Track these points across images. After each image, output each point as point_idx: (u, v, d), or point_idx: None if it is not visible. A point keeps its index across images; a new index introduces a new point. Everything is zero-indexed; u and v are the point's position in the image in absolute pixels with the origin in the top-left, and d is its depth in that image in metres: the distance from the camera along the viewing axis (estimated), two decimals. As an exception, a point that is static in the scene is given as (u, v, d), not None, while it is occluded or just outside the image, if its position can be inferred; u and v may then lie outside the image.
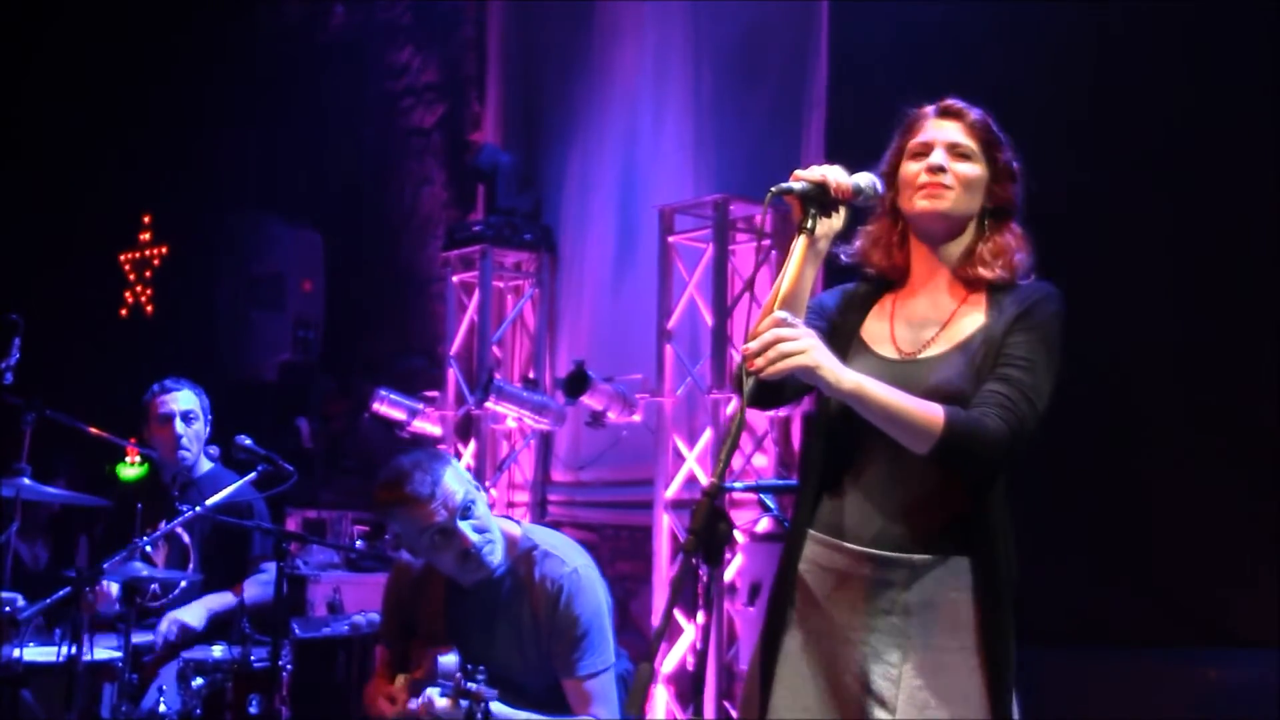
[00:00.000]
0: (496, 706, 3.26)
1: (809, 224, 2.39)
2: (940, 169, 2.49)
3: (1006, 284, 2.52)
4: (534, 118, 7.57)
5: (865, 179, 2.45)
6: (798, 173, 2.41)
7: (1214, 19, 4.30)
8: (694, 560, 2.16)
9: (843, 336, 2.57)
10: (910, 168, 2.53)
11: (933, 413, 2.33)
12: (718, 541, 2.15)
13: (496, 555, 3.47)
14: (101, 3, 9.23)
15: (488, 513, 3.51)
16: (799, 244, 2.39)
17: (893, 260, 2.61)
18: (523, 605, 3.50)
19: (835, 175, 2.41)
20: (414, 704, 3.37)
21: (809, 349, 2.25)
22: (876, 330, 2.57)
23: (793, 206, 2.42)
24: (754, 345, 2.24)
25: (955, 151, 2.52)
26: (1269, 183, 4.18)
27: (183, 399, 4.95)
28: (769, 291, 2.39)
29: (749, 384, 2.23)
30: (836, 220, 2.44)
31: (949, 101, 2.58)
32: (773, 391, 2.44)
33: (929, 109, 2.59)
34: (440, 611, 3.59)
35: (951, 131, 2.54)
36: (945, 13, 4.83)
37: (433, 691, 3.30)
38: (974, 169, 2.52)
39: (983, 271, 2.52)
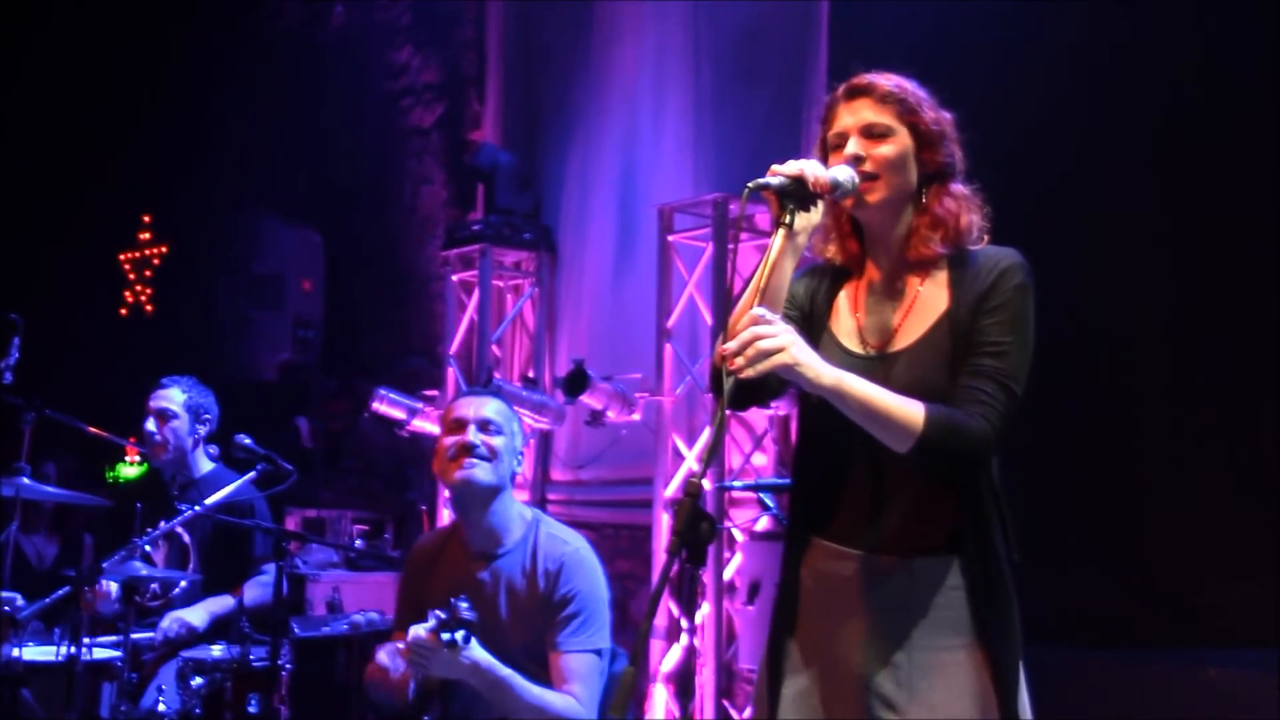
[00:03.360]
0: (476, 650, 3.29)
1: (787, 219, 2.35)
2: (858, 158, 2.42)
3: (962, 253, 2.46)
4: (533, 117, 7.57)
5: (843, 173, 2.40)
6: (775, 168, 2.37)
7: (1213, 15, 4.30)
8: (678, 560, 2.14)
9: (815, 325, 2.53)
10: (835, 162, 2.45)
11: (913, 410, 2.30)
12: (701, 541, 2.13)
13: (486, 475, 3.58)
14: (101, 2, 9.23)
15: (511, 478, 3.67)
16: (777, 239, 2.35)
17: (847, 251, 2.56)
18: (527, 581, 3.57)
19: (813, 170, 2.37)
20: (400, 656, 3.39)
21: (788, 346, 2.22)
22: (843, 323, 2.54)
23: (770, 202, 2.38)
24: (732, 345, 2.20)
25: (870, 133, 2.44)
26: (1267, 175, 4.18)
27: (166, 396, 4.90)
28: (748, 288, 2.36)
29: (729, 384, 2.19)
30: (815, 215, 2.39)
31: (856, 79, 2.49)
32: (753, 390, 2.39)
33: (840, 92, 2.51)
34: (450, 588, 3.60)
35: (863, 112, 2.46)
36: (945, 12, 4.83)
37: (417, 628, 3.30)
38: (893, 146, 2.44)
39: (924, 249, 2.45)
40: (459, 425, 3.62)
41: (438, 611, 3.26)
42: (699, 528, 2.12)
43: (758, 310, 2.24)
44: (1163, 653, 4.16)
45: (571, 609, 3.51)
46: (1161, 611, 4.24)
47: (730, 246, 5.01)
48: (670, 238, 6.09)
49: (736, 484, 5.48)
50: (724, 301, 5.84)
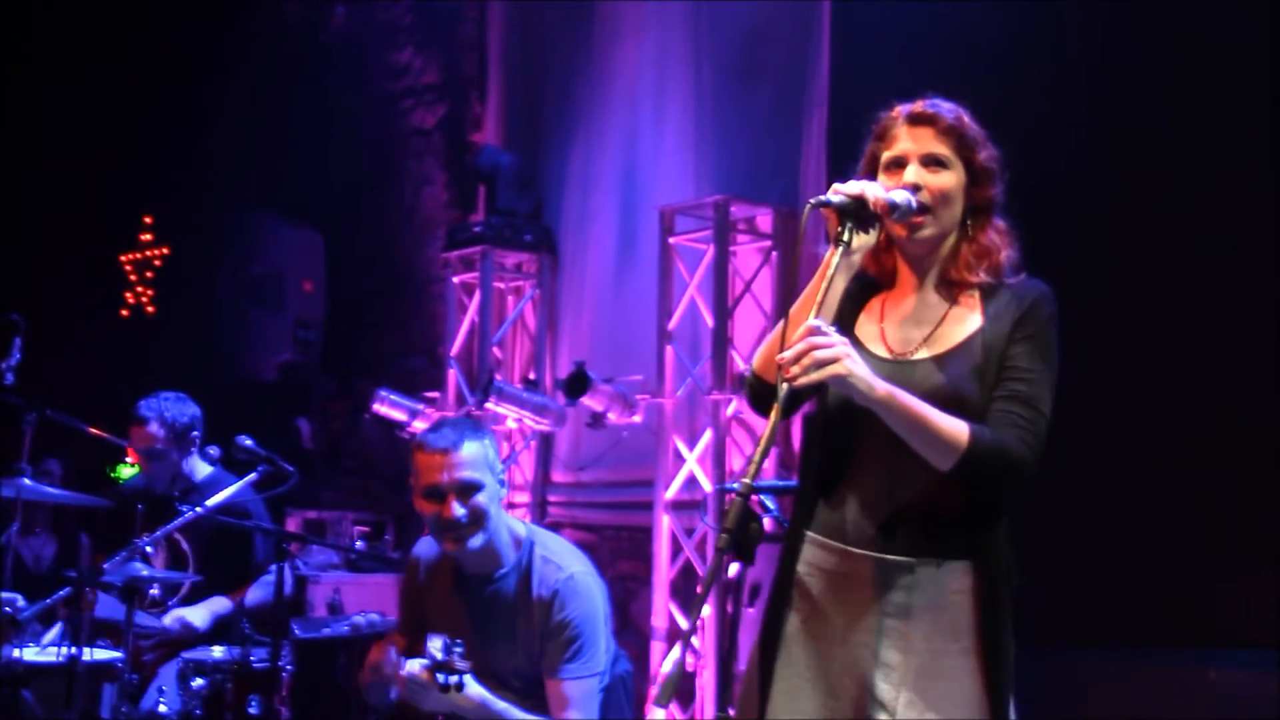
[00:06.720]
0: (472, 686, 3.28)
1: (845, 237, 2.41)
2: (916, 187, 2.47)
3: (995, 283, 2.53)
4: (535, 118, 7.58)
5: (901, 196, 2.45)
6: (836, 186, 2.44)
7: (1211, 15, 4.30)
8: (726, 558, 2.20)
9: (840, 327, 2.57)
10: (886, 183, 2.51)
11: (958, 429, 2.35)
12: (750, 540, 2.21)
13: (478, 541, 3.45)
14: (101, 2, 9.23)
15: (498, 512, 3.50)
16: (835, 256, 2.41)
17: (881, 265, 2.61)
18: (520, 607, 3.52)
19: (873, 191, 2.42)
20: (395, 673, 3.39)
21: (843, 357, 2.28)
22: (868, 329, 2.58)
23: (829, 219, 2.44)
24: (789, 354, 2.26)
25: (929, 162, 2.50)
26: (1263, 179, 4.18)
27: (148, 436, 4.84)
28: (784, 298, 2.41)
29: (783, 391, 2.26)
30: (872, 235, 2.46)
31: (921, 107, 2.54)
32: (798, 399, 2.47)
33: (901, 113, 2.56)
34: (443, 606, 3.61)
35: (925, 140, 2.51)
36: (946, 13, 4.83)
37: (413, 663, 3.30)
38: (950, 178, 2.50)
39: (968, 275, 2.52)
40: (436, 495, 3.43)
41: (433, 651, 3.24)
42: (749, 527, 2.21)
43: (814, 322, 2.30)
44: (1163, 653, 4.16)
45: (568, 636, 3.45)
46: (1161, 611, 4.24)
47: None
48: (671, 240, 6.10)
49: (736, 485, 5.47)
50: (724, 304, 5.85)
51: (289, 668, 4.24)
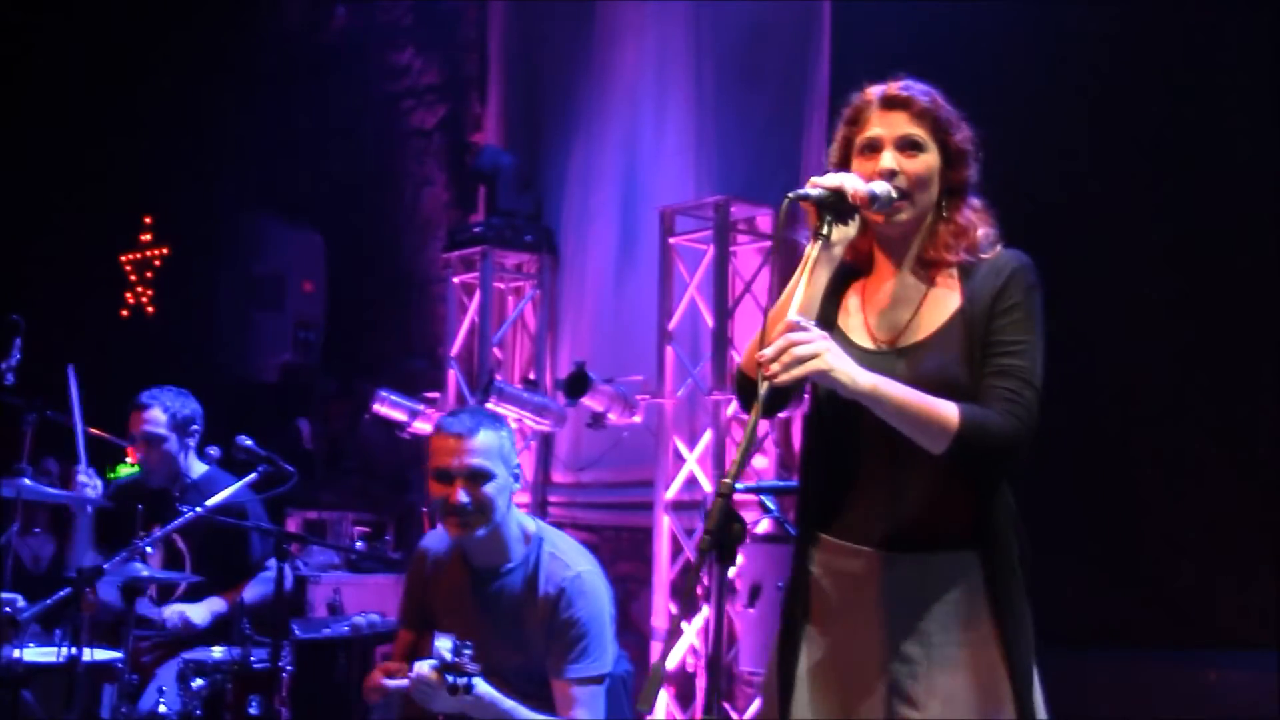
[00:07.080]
0: (481, 687, 3.26)
1: (825, 230, 2.39)
2: (893, 172, 2.45)
3: (973, 260, 2.50)
4: (535, 119, 7.58)
5: (881, 187, 2.42)
6: (814, 179, 2.41)
7: (1211, 17, 4.31)
8: (707, 559, 2.18)
9: (823, 323, 2.55)
10: (861, 167, 2.48)
11: (948, 411, 2.33)
12: (731, 540, 2.19)
13: (483, 531, 3.45)
14: (102, 2, 9.23)
15: (508, 505, 3.50)
16: (814, 250, 2.39)
17: (857, 251, 2.57)
18: (526, 604, 3.51)
19: (852, 183, 2.40)
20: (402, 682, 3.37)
21: (823, 352, 2.25)
22: (850, 320, 2.56)
23: (808, 213, 2.42)
24: (769, 351, 2.23)
25: (905, 145, 2.47)
26: (1266, 185, 4.18)
27: (150, 419, 4.84)
28: (780, 295, 2.39)
29: (763, 389, 2.23)
30: (852, 228, 2.43)
31: (894, 89, 2.50)
32: (784, 395, 2.44)
33: (874, 95, 2.52)
34: (451, 601, 3.61)
35: (899, 124, 2.47)
36: (946, 13, 4.83)
37: (422, 664, 3.27)
38: (925, 161, 2.47)
39: (946, 255, 2.48)
40: (445, 477, 3.43)
41: (443, 652, 3.22)
42: (730, 528, 2.19)
43: (794, 317, 2.28)
44: (1163, 653, 4.16)
45: (573, 636, 3.44)
46: (1161, 611, 4.25)
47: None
48: (671, 240, 6.10)
49: (738, 486, 5.47)
50: (724, 305, 5.85)
51: (289, 668, 4.24)
